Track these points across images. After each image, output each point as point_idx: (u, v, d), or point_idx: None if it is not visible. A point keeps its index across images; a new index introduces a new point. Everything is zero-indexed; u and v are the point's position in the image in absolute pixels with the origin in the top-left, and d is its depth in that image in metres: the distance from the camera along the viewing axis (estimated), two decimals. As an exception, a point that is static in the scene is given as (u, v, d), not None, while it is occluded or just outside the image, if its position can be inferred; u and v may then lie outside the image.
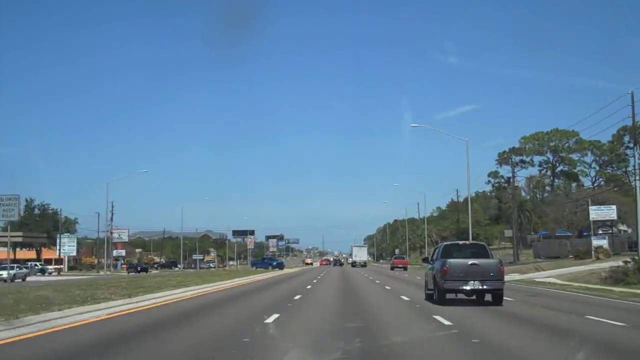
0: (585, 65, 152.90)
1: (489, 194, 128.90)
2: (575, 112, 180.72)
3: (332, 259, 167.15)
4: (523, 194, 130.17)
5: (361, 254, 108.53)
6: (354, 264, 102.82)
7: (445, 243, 23.73)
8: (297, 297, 22.45)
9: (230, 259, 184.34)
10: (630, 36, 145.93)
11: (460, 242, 25.09)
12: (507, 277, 48.68)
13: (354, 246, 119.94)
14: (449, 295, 19.46)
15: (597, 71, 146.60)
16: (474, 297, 19.93)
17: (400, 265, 76.74)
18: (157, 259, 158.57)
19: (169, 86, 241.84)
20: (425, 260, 26.91)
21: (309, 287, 30.44)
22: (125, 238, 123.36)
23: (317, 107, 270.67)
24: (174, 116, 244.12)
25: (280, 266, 78.08)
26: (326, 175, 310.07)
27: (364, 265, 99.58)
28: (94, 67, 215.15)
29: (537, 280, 42.40)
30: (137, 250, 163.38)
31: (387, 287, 30.04)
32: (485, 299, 19.57)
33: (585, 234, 74.67)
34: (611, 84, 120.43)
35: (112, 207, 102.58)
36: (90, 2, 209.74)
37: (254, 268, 79.16)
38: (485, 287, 18.71)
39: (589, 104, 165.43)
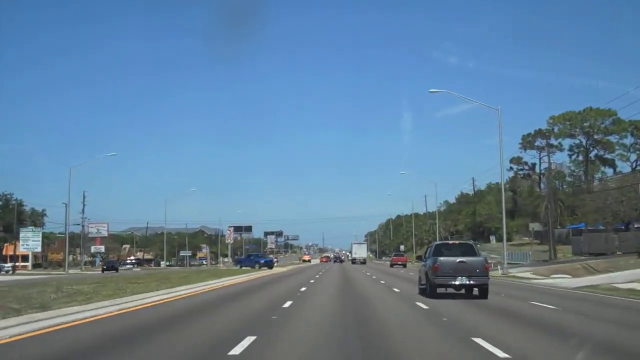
0: (585, 65, 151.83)
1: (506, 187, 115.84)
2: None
3: (332, 255, 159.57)
4: (542, 185, 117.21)
5: (361, 251, 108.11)
6: (353, 261, 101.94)
7: (436, 243, 24.95)
8: (245, 344, 9.44)
9: (225, 255, 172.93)
10: (630, 36, 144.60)
11: (450, 242, 27.63)
12: (554, 281, 36.24)
13: (354, 243, 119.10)
14: (439, 290, 20.81)
15: (597, 71, 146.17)
16: (462, 291, 21.01)
17: (399, 263, 75.34)
18: (147, 256, 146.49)
19: (169, 84, 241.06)
20: (419, 258, 29.03)
21: (287, 305, 17.28)
22: (105, 233, 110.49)
23: (317, 105, 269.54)
24: (174, 113, 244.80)
25: (269, 264, 64.93)
26: (326, 172, 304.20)
27: (363, 262, 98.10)
28: (94, 65, 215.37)
29: (618, 287, 29.38)
30: (125, 246, 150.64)
31: (419, 305, 17.50)
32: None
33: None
34: (611, 83, 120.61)
35: (84, 198, 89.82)
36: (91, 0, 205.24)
37: (239, 267, 65.96)
38: (472, 282, 20.14)
39: (589, 103, 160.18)
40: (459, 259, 20.24)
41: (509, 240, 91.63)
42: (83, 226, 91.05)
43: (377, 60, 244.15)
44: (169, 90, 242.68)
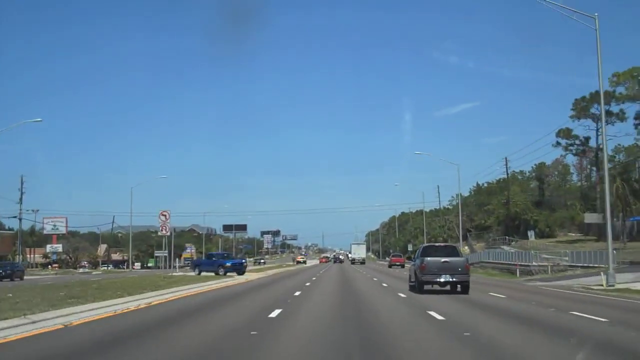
0: (586, 65, 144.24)
1: (528, 174, 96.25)
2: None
3: (331, 256, 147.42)
4: (575, 177, 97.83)
5: (360, 252, 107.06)
6: (353, 261, 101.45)
7: (424, 245, 28.67)
8: None
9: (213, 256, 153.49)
10: (630, 35, 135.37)
11: (436, 244, 29.46)
12: None
13: (353, 244, 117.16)
14: (426, 286, 22.44)
15: (597, 71, 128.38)
16: (447, 287, 22.78)
17: (397, 263, 74.66)
18: (121, 257, 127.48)
19: (168, 83, 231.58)
20: (409, 258, 28.57)
21: None
22: (62, 229, 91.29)
23: (318, 103, 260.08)
24: (174, 112, 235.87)
25: (239, 268, 44.91)
26: (326, 172, 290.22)
27: (362, 262, 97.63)
28: (94, 64, 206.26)
29: None
30: (103, 245, 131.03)
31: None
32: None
33: None
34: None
35: (22, 185, 70.45)
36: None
37: (196, 273, 45.72)
38: (454, 279, 22.04)
39: None
40: (443, 259, 22.05)
41: (549, 236, 72.11)
42: (20, 219, 71.61)
43: (377, 60, 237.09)
44: (168, 89, 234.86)
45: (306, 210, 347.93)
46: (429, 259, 22.04)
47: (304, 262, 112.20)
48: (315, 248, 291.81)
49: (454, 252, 23.59)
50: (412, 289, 23.46)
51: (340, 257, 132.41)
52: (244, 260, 47.97)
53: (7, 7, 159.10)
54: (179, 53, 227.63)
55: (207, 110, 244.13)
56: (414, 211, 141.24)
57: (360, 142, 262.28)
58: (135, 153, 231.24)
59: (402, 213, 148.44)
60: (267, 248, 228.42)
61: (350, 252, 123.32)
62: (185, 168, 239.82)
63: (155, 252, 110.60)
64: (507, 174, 68.14)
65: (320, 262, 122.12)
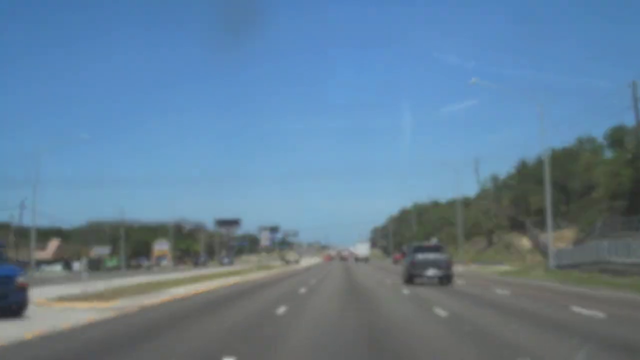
0: (588, 65, 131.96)
1: (604, 143, 65.59)
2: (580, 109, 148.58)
3: (334, 254, 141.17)
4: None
5: (363, 250, 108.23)
6: (357, 259, 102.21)
7: (414, 245, 31.30)
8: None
9: (195, 252, 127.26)
10: (631, 34, 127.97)
11: (425, 244, 34.34)
12: None
13: (357, 242, 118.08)
14: (416, 280, 26.21)
15: (598, 70, 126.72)
16: (435, 280, 26.05)
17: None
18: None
19: (167, 82, 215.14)
20: (403, 255, 37.88)
21: None
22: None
23: (319, 102, 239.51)
24: (175, 111, 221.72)
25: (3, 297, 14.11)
26: (328, 170, 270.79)
27: (366, 260, 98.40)
28: (92, 72, 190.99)
29: None
30: (55, 240, 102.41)
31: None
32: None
33: None
34: (610, 83, 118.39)
35: None
36: (88, 9, 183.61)
37: None
38: (439, 273, 25.73)
39: (588, 103, 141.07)
40: (430, 256, 25.91)
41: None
42: None
43: (377, 59, 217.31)
44: (167, 87, 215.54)
45: (310, 209, 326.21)
46: (418, 255, 26.25)
47: (296, 261, 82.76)
48: (317, 245, 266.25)
49: (439, 250, 27.46)
50: (404, 281, 27.01)
51: (346, 255, 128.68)
52: (17, 271, 14.33)
53: (9, 11, 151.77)
54: (178, 52, 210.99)
55: (207, 115, 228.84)
56: (427, 202, 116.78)
57: (365, 138, 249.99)
58: (136, 153, 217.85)
59: (415, 204, 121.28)
60: (264, 245, 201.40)
61: (354, 250, 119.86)
62: (185, 167, 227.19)
63: (95, 248, 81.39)
64: (637, 109, 37.66)
65: (325, 260, 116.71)
